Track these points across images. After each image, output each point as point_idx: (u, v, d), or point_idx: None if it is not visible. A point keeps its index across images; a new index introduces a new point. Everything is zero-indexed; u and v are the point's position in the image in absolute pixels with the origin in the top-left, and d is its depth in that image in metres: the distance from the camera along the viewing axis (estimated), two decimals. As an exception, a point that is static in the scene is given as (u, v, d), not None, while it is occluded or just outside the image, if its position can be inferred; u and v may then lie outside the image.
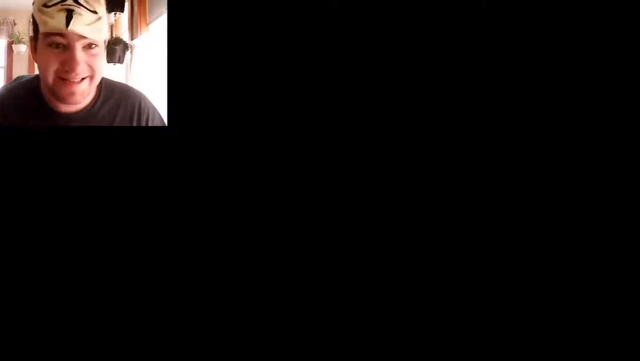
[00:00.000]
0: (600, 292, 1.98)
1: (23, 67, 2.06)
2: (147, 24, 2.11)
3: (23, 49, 2.05)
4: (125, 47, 2.07)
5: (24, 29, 2.05)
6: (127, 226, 1.97)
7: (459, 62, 2.04)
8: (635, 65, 2.02)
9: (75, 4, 1.81)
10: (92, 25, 1.85)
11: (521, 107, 2.03)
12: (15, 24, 2.04)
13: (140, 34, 2.11)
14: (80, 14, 1.82)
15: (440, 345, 1.96)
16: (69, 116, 1.92)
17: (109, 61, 2.04)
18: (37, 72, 2.01)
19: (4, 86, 1.99)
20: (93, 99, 1.95)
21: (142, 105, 1.96)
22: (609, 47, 2.03)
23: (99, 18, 1.88)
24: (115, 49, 2.06)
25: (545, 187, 2.02)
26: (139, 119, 1.95)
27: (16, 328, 1.91)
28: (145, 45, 2.10)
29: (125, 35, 2.10)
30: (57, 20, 1.80)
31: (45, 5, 1.82)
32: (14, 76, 2.04)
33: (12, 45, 2.05)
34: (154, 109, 1.98)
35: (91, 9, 1.85)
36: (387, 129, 2.03)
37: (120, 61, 2.04)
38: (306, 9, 2.03)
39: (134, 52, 2.11)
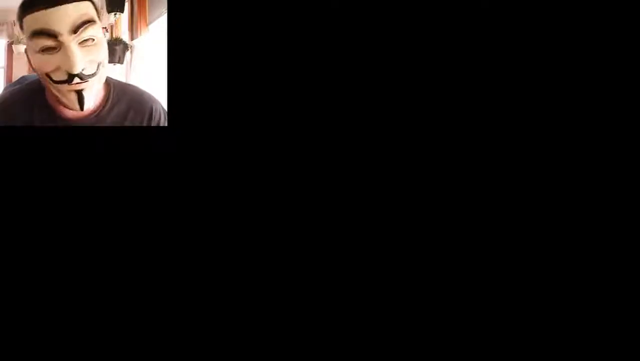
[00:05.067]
0: (600, 292, 1.99)
1: (23, 67, 2.05)
2: (147, 24, 2.10)
3: (23, 49, 2.04)
4: (125, 47, 2.07)
5: (24, 30, 2.04)
6: (127, 227, 1.97)
7: (459, 62, 2.04)
8: (636, 65, 2.02)
9: (82, 82, 1.66)
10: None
11: (521, 107, 2.03)
12: (15, 24, 2.03)
13: (140, 34, 2.11)
14: (90, 88, 1.68)
15: (440, 345, 1.97)
16: (77, 122, 1.84)
17: (109, 62, 2.03)
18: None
19: (7, 87, 1.98)
20: (102, 102, 1.87)
21: (154, 110, 1.89)
22: (609, 47, 2.03)
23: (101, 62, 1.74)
24: (115, 50, 2.06)
25: (546, 187, 2.02)
26: (149, 125, 1.87)
27: (16, 328, 1.91)
28: (145, 45, 2.10)
29: (125, 36, 2.10)
30: (69, 101, 1.66)
31: (51, 79, 1.64)
32: (14, 76, 2.03)
33: (12, 46, 2.04)
34: (166, 113, 1.92)
35: (96, 71, 1.67)
36: (389, 130, 2.03)
37: (120, 61, 2.03)
38: (306, 9, 2.02)
39: (134, 53, 2.11)
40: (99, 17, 1.69)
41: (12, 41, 2.03)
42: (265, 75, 2.02)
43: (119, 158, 1.98)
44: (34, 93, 1.87)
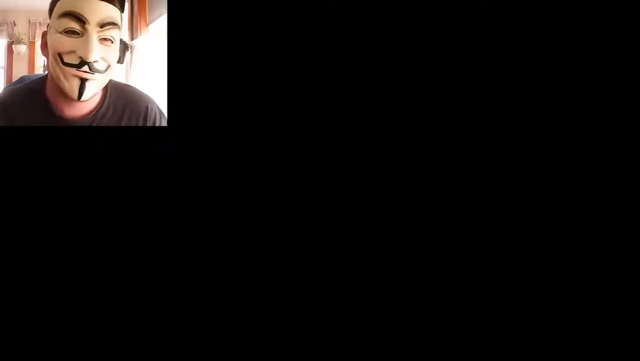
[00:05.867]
0: (600, 292, 1.98)
1: (23, 68, 2.06)
2: (147, 24, 2.10)
3: (23, 49, 2.05)
4: (126, 47, 2.07)
5: (24, 30, 2.05)
6: (127, 227, 1.97)
7: (459, 62, 2.03)
8: (636, 65, 2.02)
9: (89, 72, 1.75)
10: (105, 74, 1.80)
11: (521, 107, 2.03)
12: (15, 24, 2.04)
13: (140, 34, 2.11)
14: (93, 81, 1.77)
15: (440, 345, 1.97)
16: (75, 121, 1.89)
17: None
18: (38, 72, 2.02)
19: (7, 87, 1.99)
20: (99, 102, 1.92)
21: (149, 110, 1.94)
22: (609, 47, 2.02)
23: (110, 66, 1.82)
24: (116, 49, 2.06)
25: (545, 187, 2.02)
26: (145, 124, 1.92)
27: (16, 328, 1.91)
28: (145, 45, 2.10)
29: (125, 36, 2.09)
30: (70, 87, 1.75)
31: (62, 60, 1.75)
32: (14, 76, 2.04)
33: (12, 46, 2.04)
34: (161, 113, 1.96)
35: (104, 71, 1.77)
36: (389, 130, 2.03)
37: (120, 61, 2.03)
38: (306, 9, 2.02)
39: (134, 53, 2.11)
40: (120, 28, 1.84)
41: (12, 41, 2.04)
42: (264, 75, 2.02)
43: (119, 158, 1.99)
44: (33, 93, 1.91)
